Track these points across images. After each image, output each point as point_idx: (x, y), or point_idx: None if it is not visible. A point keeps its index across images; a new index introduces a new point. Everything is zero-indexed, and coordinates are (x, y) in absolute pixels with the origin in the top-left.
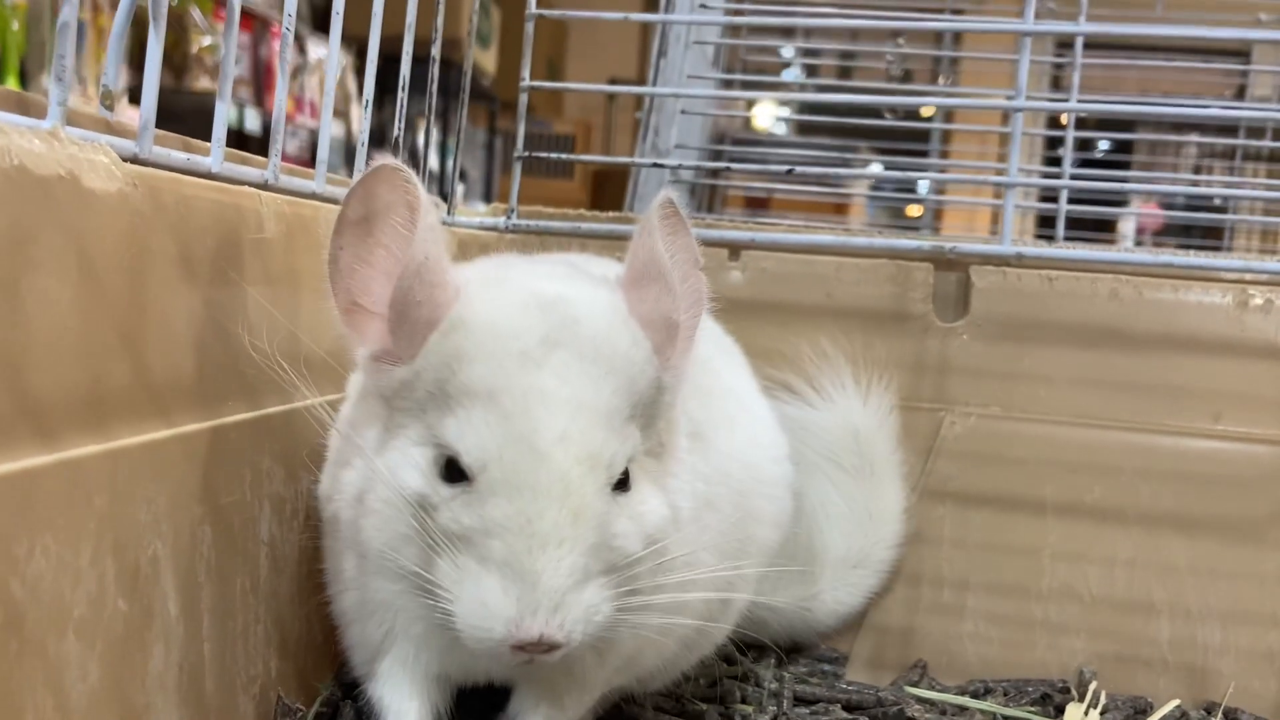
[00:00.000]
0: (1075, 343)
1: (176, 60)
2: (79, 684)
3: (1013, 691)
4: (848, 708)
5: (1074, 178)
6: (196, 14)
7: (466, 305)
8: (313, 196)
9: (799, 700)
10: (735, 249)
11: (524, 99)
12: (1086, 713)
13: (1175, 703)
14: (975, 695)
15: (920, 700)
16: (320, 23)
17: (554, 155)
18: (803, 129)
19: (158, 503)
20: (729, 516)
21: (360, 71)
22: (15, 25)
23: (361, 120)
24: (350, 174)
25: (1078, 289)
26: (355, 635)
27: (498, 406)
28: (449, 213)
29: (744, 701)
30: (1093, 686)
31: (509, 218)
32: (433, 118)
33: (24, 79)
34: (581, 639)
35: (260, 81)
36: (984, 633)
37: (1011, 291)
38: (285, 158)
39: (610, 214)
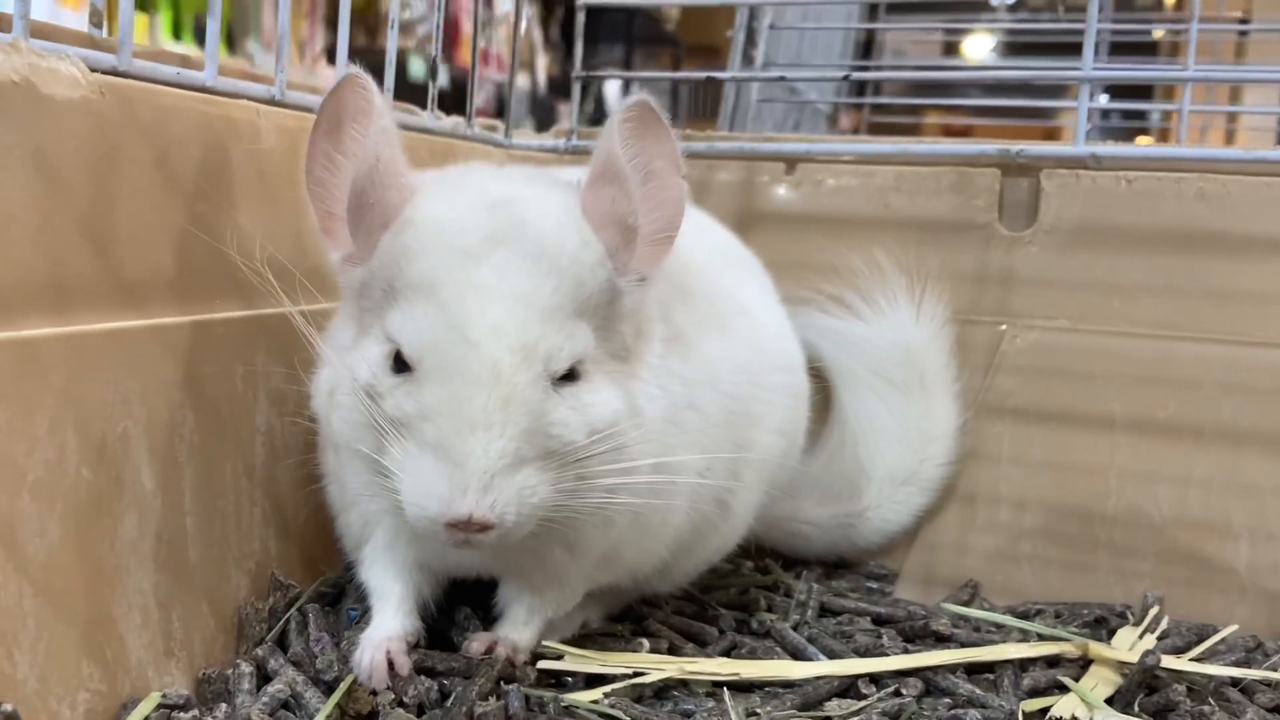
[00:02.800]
0: (1155, 248)
1: (369, 20)
2: (36, 539)
3: (1066, 614)
4: (877, 621)
5: None
6: None
7: (416, 206)
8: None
9: (826, 611)
10: (791, 162)
11: (581, 17)
12: (1142, 636)
13: (1234, 627)
14: (1025, 616)
15: (958, 617)
16: None
17: (609, 74)
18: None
19: (126, 385)
20: (713, 418)
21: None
22: None
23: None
24: (536, 125)
25: (1159, 189)
26: (341, 524)
27: (436, 299)
28: (505, 134)
29: (770, 610)
30: (1153, 611)
31: (569, 139)
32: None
33: (231, 43)
34: (516, 520)
35: (449, 37)
36: (1042, 553)
37: (1084, 195)
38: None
39: (681, 131)
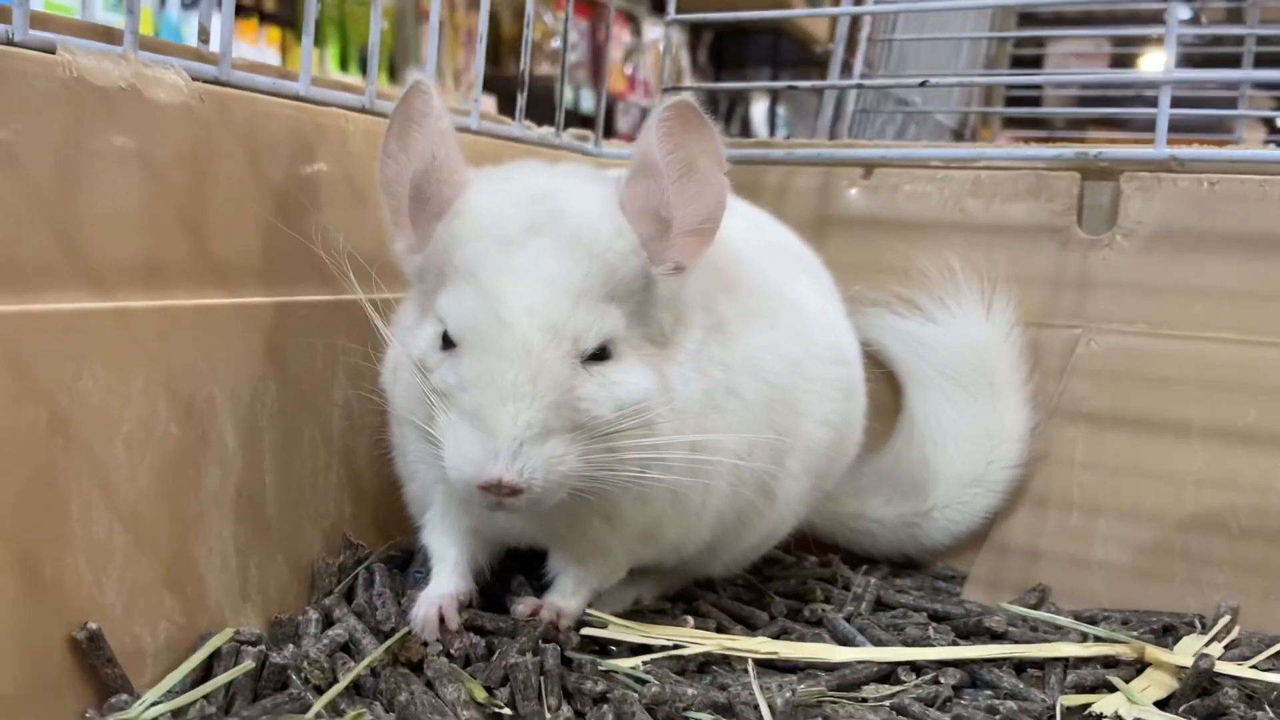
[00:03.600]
0: (1237, 252)
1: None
2: (127, 483)
3: (1134, 620)
4: (933, 617)
5: None
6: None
7: (466, 198)
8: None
9: (882, 605)
10: (869, 167)
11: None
12: (1208, 645)
13: None
14: (1091, 621)
15: (1017, 617)
16: (657, 4)
17: (698, 86)
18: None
19: (214, 356)
20: (753, 404)
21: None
22: (385, 24)
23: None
24: None
25: (1243, 193)
26: (407, 493)
27: (477, 282)
28: (595, 144)
29: (827, 601)
30: (1224, 621)
31: None
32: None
33: (392, 73)
34: (544, 485)
35: (597, 64)
36: (1114, 560)
37: (1165, 198)
38: (617, 135)
39: (786, 141)
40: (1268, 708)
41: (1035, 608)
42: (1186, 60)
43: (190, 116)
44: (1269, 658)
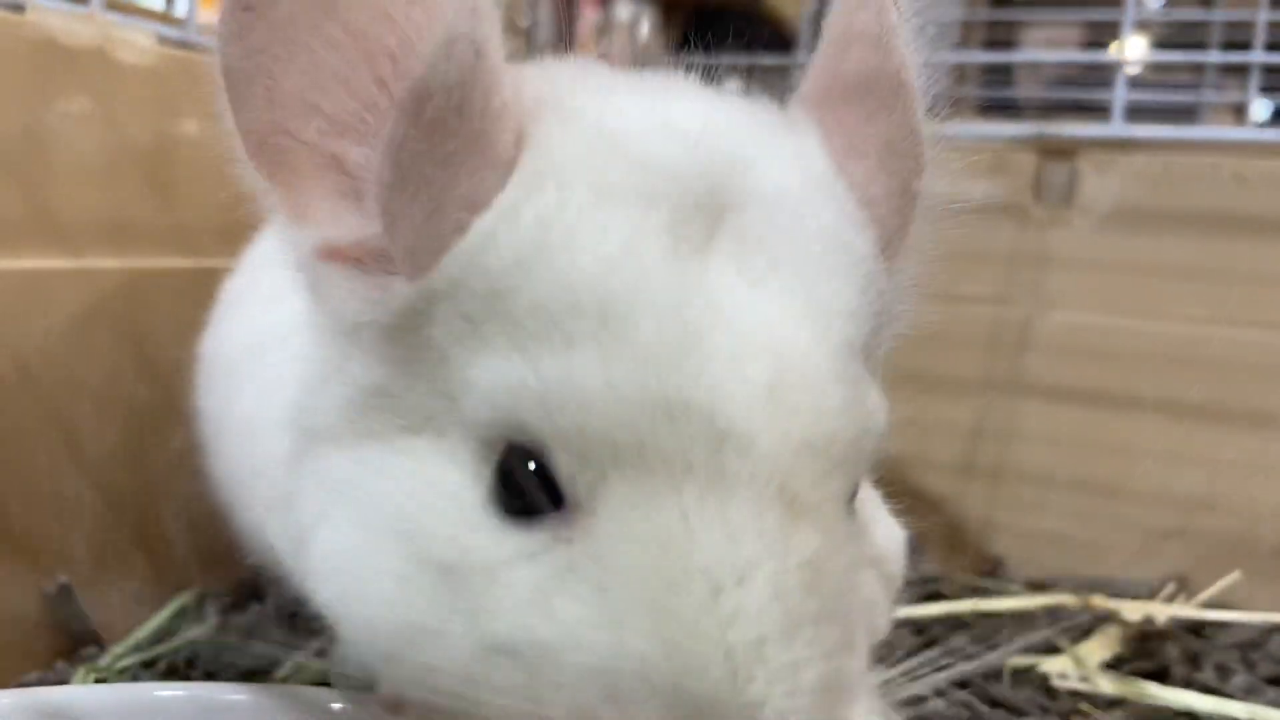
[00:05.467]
0: (1191, 231)
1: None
2: (93, 442)
3: (1084, 588)
4: None
5: None
6: None
7: (543, 150)
8: None
9: None
10: None
11: None
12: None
13: (1235, 574)
14: (1042, 588)
15: (971, 585)
16: None
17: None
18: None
19: (181, 318)
20: None
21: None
22: None
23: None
24: None
25: (1199, 172)
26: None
27: (626, 338)
28: None
29: None
30: (1170, 588)
31: None
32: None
33: None
34: None
35: (565, 41)
36: (1068, 531)
37: (1121, 177)
38: None
39: None
40: (1209, 669)
41: (990, 574)
42: (1159, 46)
43: (155, 77)
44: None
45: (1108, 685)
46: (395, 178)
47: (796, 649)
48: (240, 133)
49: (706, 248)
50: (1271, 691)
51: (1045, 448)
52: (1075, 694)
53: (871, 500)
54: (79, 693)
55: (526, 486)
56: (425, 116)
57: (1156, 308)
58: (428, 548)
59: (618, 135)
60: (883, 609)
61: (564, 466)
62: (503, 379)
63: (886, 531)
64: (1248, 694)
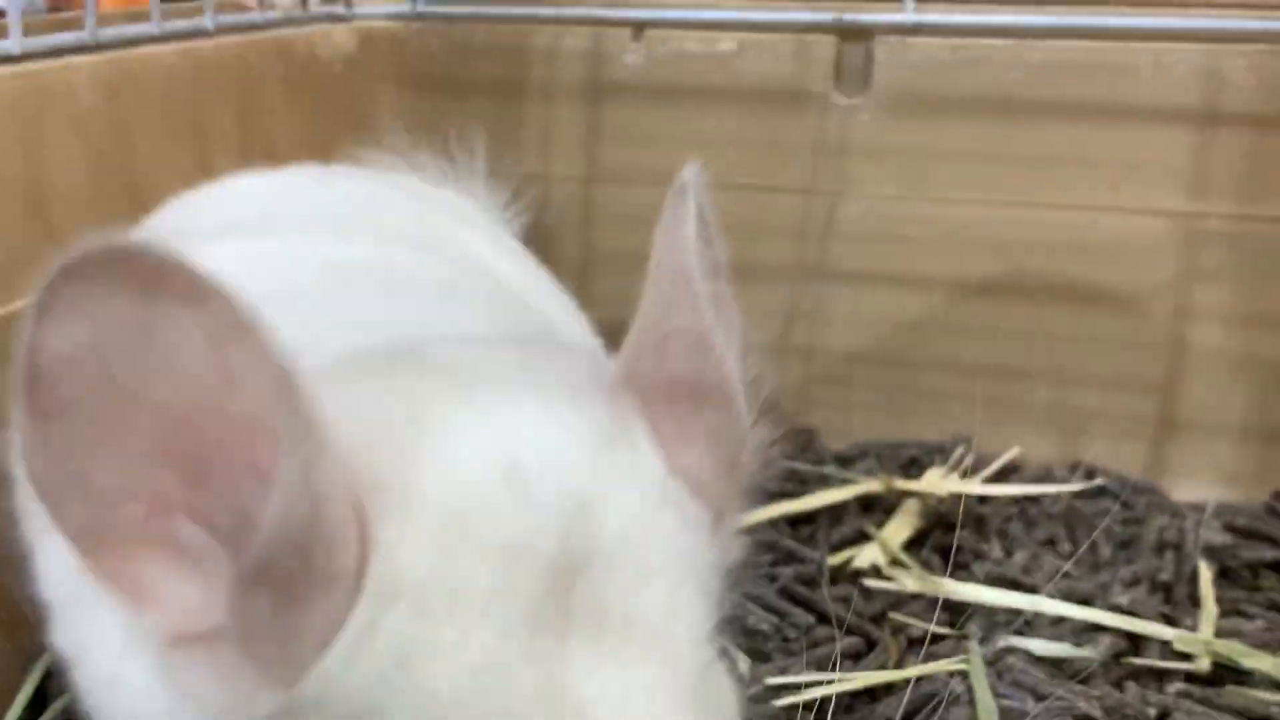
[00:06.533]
0: (976, 116)
1: None
2: None
3: (885, 454)
4: None
5: None
6: None
7: (390, 557)
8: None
9: None
10: (639, 27)
11: None
12: (946, 475)
13: (1016, 449)
14: (849, 460)
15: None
16: None
17: None
18: None
19: None
20: None
21: None
22: None
23: None
24: None
25: (987, 57)
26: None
27: None
28: (345, 3)
29: None
30: (959, 451)
31: (414, 4)
32: None
33: None
34: None
35: None
36: (870, 401)
37: (913, 63)
38: None
39: None
40: (995, 539)
41: (805, 448)
42: None
43: None
44: (994, 474)
45: (911, 582)
46: (243, 625)
47: None
48: (67, 538)
49: (565, 632)
50: (1048, 558)
51: (850, 327)
52: (886, 593)
53: None
54: None
55: None
56: (267, 576)
57: (946, 192)
58: None
59: (464, 519)
60: None
61: None
62: None
63: None
64: (1029, 564)
